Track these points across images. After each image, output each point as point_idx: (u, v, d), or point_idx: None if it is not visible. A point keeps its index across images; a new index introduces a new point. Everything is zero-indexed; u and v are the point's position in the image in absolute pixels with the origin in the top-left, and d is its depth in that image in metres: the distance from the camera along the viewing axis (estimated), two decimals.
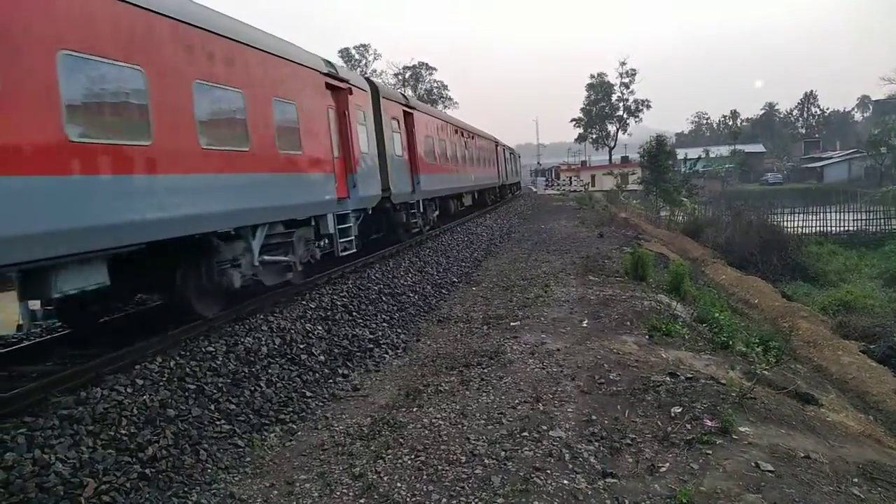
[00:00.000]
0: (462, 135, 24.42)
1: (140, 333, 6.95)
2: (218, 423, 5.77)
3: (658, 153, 44.25)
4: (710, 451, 5.18)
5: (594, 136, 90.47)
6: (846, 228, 39.03)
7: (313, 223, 10.33)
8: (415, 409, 6.34)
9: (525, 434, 5.61)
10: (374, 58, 77.57)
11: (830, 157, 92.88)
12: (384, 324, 9.63)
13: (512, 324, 9.77)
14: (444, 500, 4.62)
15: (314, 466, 5.26)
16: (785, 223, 35.45)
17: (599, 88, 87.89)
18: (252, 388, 6.51)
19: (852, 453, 5.64)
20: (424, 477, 4.95)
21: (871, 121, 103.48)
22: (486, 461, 5.15)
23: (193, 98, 7.01)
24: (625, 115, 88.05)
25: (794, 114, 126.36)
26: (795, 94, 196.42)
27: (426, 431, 5.79)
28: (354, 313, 9.56)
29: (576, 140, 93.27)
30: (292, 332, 8.00)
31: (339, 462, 5.28)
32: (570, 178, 71.40)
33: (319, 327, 8.54)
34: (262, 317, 8.17)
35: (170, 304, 8.01)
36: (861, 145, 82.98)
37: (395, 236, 15.36)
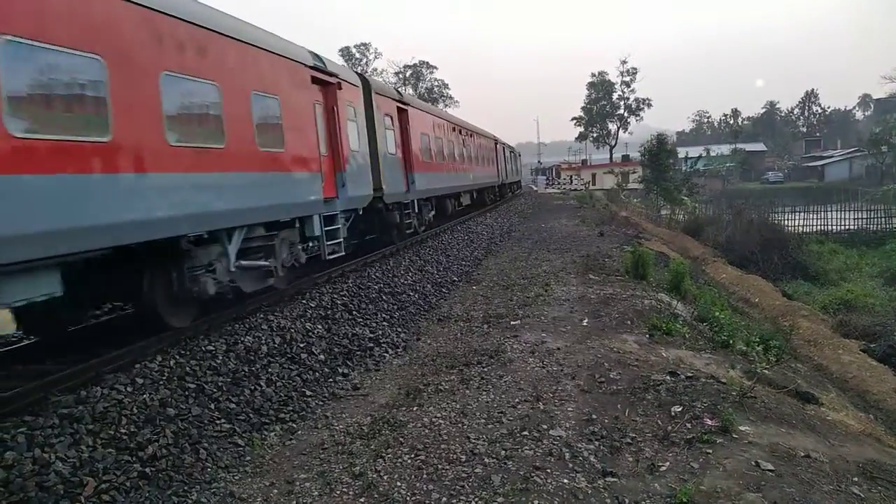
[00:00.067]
0: (460, 132, 24.01)
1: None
2: (218, 422, 5.77)
3: (659, 152, 44.33)
4: (711, 451, 5.17)
5: (595, 135, 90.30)
6: (847, 227, 39.02)
7: (297, 225, 9.80)
8: (415, 408, 6.34)
9: (525, 433, 5.61)
10: (375, 57, 77.82)
11: (831, 156, 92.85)
12: (384, 323, 9.63)
13: (512, 323, 9.76)
14: (444, 499, 4.62)
15: (314, 465, 5.26)
16: (786, 222, 35.51)
17: (600, 87, 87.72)
18: (252, 387, 6.51)
19: (852, 452, 5.64)
20: (424, 476, 4.95)
21: (872, 119, 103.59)
22: (486, 460, 5.14)
23: (161, 91, 6.49)
24: (626, 114, 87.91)
25: (795, 112, 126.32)
26: (796, 92, 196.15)
27: (426, 430, 5.79)
28: (354, 312, 9.55)
29: (576, 139, 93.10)
30: (292, 331, 7.99)
31: (339, 461, 5.28)
32: (571, 176, 71.45)
33: (319, 326, 8.53)
34: (262, 316, 8.17)
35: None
36: (862, 144, 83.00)
37: (388, 237, 14.82)
